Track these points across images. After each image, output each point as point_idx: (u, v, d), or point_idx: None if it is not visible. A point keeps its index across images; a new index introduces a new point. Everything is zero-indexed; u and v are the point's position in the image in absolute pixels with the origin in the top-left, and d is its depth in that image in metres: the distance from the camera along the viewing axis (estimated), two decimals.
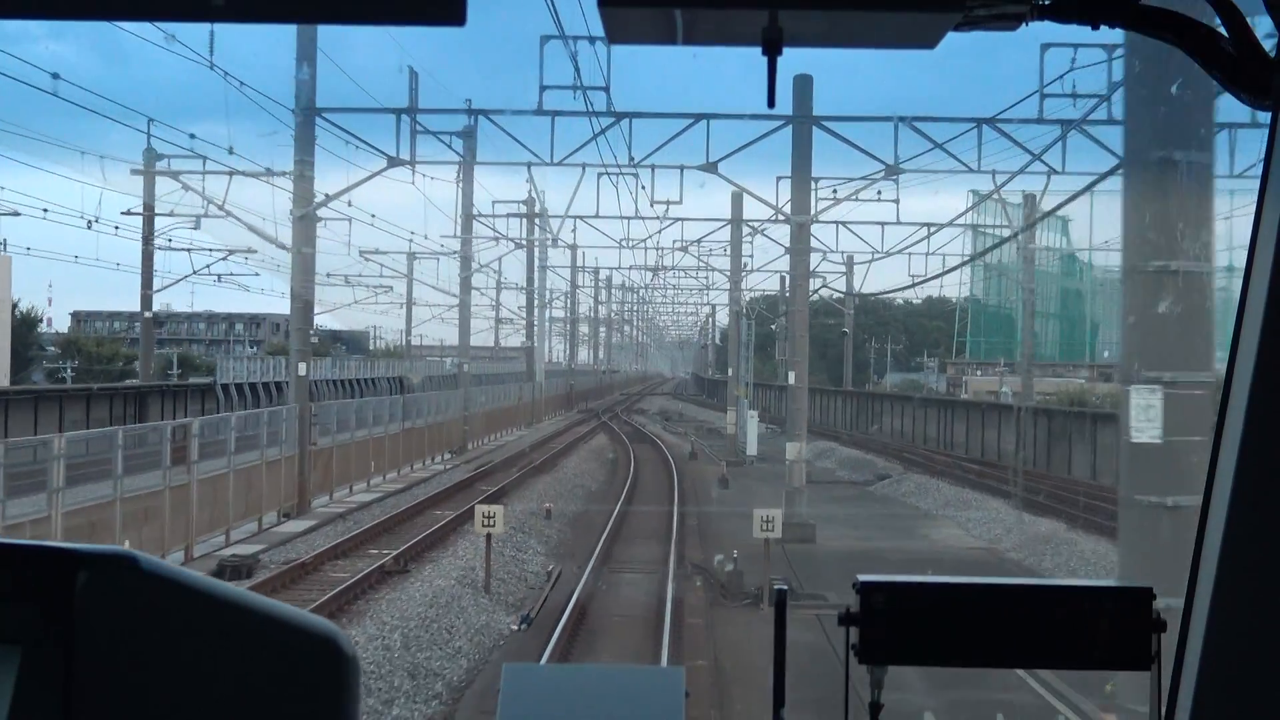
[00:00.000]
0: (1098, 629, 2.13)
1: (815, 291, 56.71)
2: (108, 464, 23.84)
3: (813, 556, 30.33)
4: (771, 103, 1.70)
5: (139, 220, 48.60)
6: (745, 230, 56.53)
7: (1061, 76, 31.37)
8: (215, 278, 56.22)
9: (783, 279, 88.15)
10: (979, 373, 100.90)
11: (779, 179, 51.93)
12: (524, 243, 54.10)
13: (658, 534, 32.77)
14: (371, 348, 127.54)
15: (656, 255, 61.49)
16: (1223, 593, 1.95)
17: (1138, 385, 12.28)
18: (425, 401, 49.81)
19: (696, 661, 19.60)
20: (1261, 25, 1.85)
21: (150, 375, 61.66)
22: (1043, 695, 18.13)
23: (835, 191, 39.29)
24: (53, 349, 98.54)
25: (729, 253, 63.81)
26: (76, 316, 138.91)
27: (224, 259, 54.92)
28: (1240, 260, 2.07)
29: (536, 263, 76.37)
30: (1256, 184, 1.97)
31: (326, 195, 34.48)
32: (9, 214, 43.90)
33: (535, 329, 77.85)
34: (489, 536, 25.07)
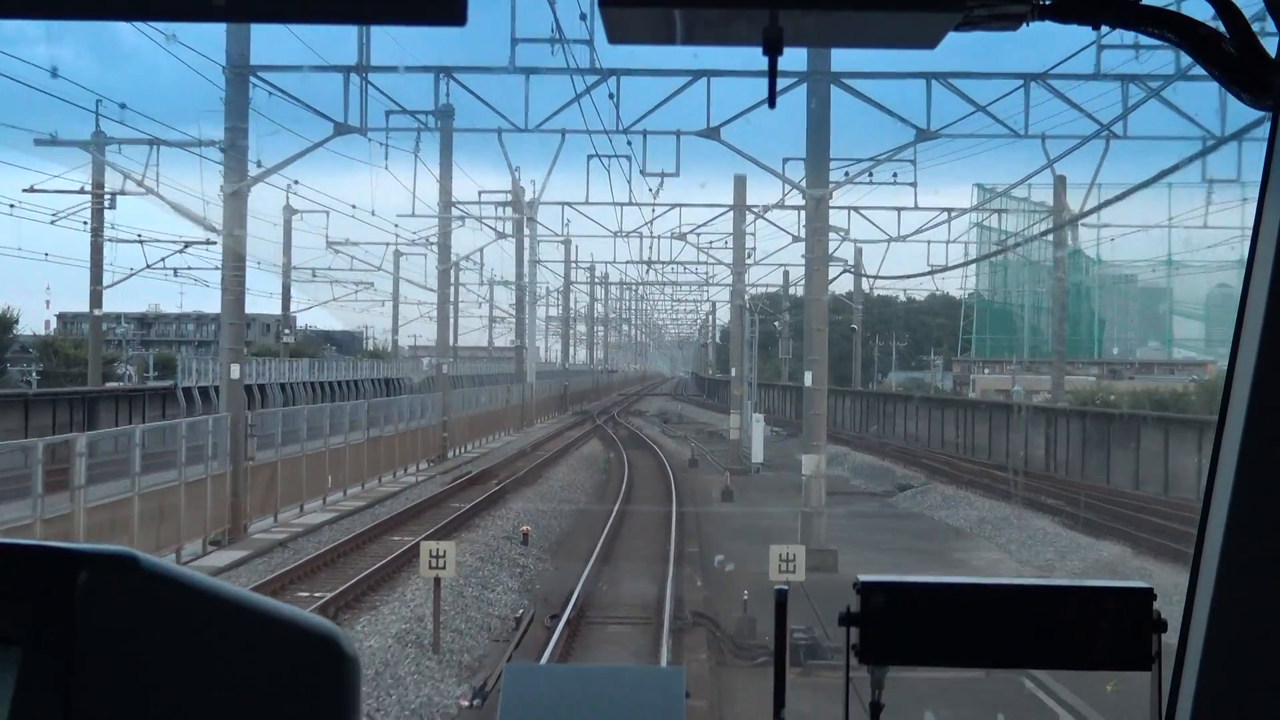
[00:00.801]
0: (1098, 629, 2.11)
1: (834, 279, 51.59)
2: None
3: (837, 591, 24.60)
4: (772, 102, 1.69)
5: (59, 205, 42.93)
6: (749, 218, 51.11)
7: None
8: (170, 271, 50.69)
9: (785, 273, 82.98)
10: (986, 371, 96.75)
11: (785, 160, 46.78)
12: (508, 233, 48.72)
13: (652, 565, 27.43)
14: (369, 348, 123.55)
15: (653, 245, 56.04)
16: (1223, 593, 1.94)
17: None
18: (397, 406, 44.35)
19: None
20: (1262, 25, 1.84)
21: (128, 379, 56.66)
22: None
23: (847, 173, 34.07)
24: (32, 351, 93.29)
25: (729, 245, 58.69)
26: (62, 318, 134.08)
27: (180, 251, 49.52)
28: None
29: (527, 256, 70.94)
30: None
31: (259, 164, 29.04)
32: None
33: (526, 326, 72.34)
34: (438, 581, 19.70)
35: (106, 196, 39.94)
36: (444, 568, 19.46)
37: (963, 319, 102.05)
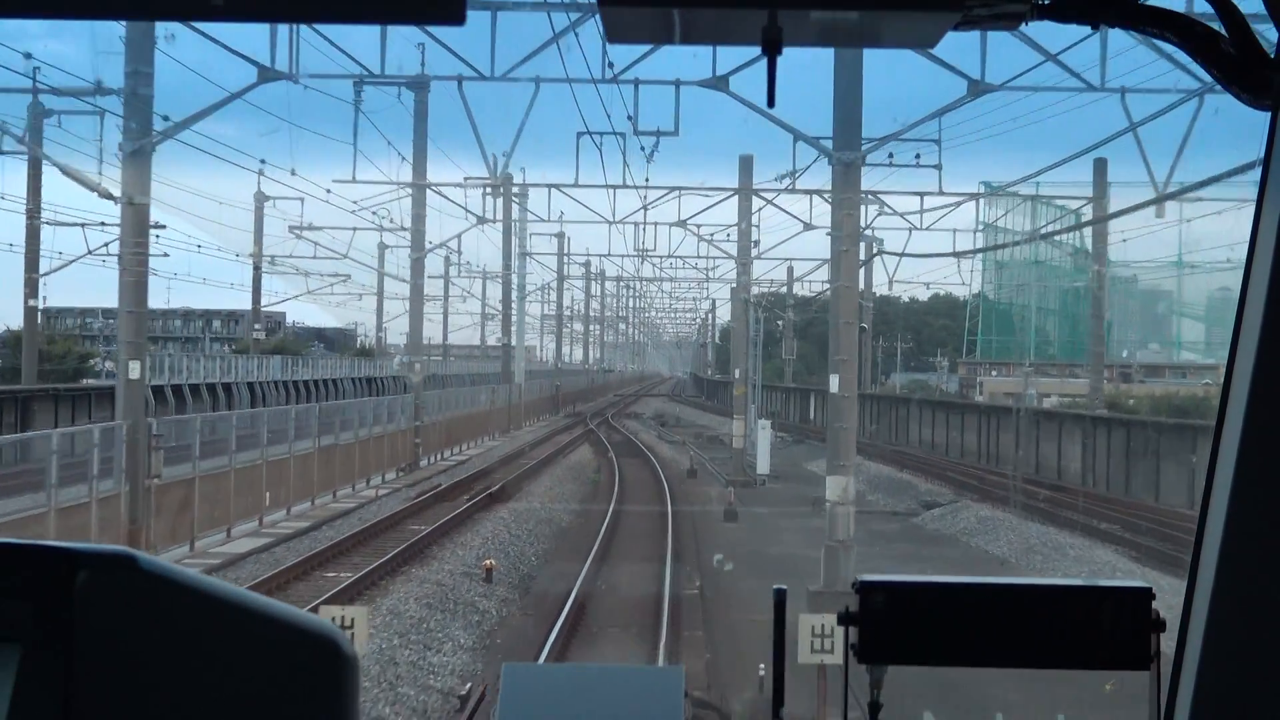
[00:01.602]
0: (1097, 629, 2.09)
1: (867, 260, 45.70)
2: None
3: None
4: (771, 101, 1.66)
5: None
6: (755, 204, 45.54)
7: None
8: (116, 259, 44.99)
9: (790, 268, 77.36)
10: (994, 373, 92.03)
11: (796, 140, 41.41)
12: (489, 216, 43.20)
13: (641, 614, 21.93)
14: (360, 346, 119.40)
15: (650, 232, 50.44)
16: (1222, 592, 1.93)
17: None
18: (360, 409, 38.73)
19: None
20: (1261, 25, 1.82)
21: (105, 376, 51.25)
22: None
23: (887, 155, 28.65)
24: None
25: (731, 237, 53.31)
26: (46, 313, 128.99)
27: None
28: None
29: (515, 245, 65.35)
30: None
31: (166, 119, 23.39)
32: None
33: (514, 323, 66.72)
34: None
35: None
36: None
37: (968, 320, 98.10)
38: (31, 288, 45.12)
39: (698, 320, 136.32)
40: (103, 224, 44.11)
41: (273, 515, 30.22)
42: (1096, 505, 35.84)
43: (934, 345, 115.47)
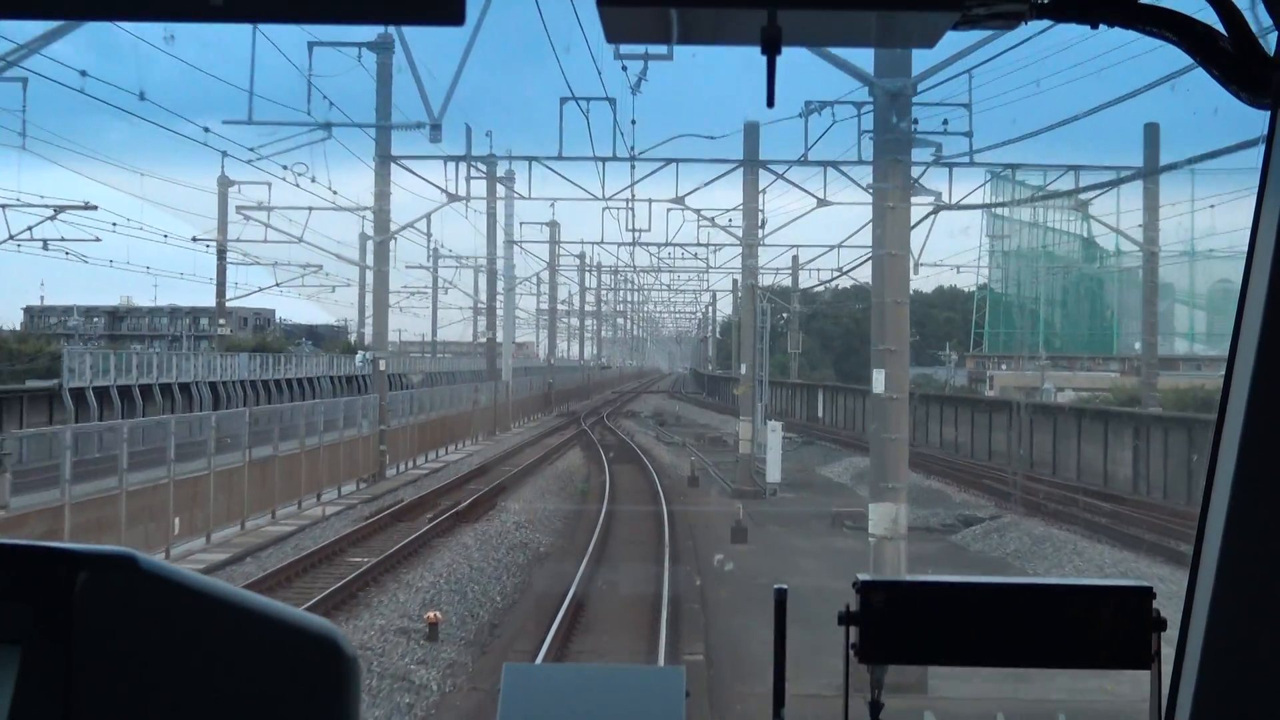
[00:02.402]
0: (1098, 628, 2.08)
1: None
2: None
3: None
4: (771, 102, 1.64)
5: None
6: (761, 190, 39.85)
7: None
8: (40, 244, 39.35)
9: (795, 257, 71.57)
10: (1004, 366, 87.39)
11: (808, 109, 36.24)
12: (461, 194, 37.46)
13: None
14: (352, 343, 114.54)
15: (645, 211, 44.72)
16: (1222, 592, 1.92)
17: None
18: (309, 414, 33.03)
19: None
20: (1260, 24, 1.83)
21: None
22: None
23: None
24: None
25: (733, 223, 47.77)
26: (29, 311, 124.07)
27: (52, 219, 38.25)
28: None
29: (501, 234, 59.68)
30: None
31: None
32: None
33: (500, 315, 60.99)
34: None
35: None
36: None
37: (975, 312, 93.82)
38: None
39: (698, 314, 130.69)
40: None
41: (186, 545, 24.56)
42: (1163, 519, 30.16)
43: (938, 338, 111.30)
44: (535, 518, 30.81)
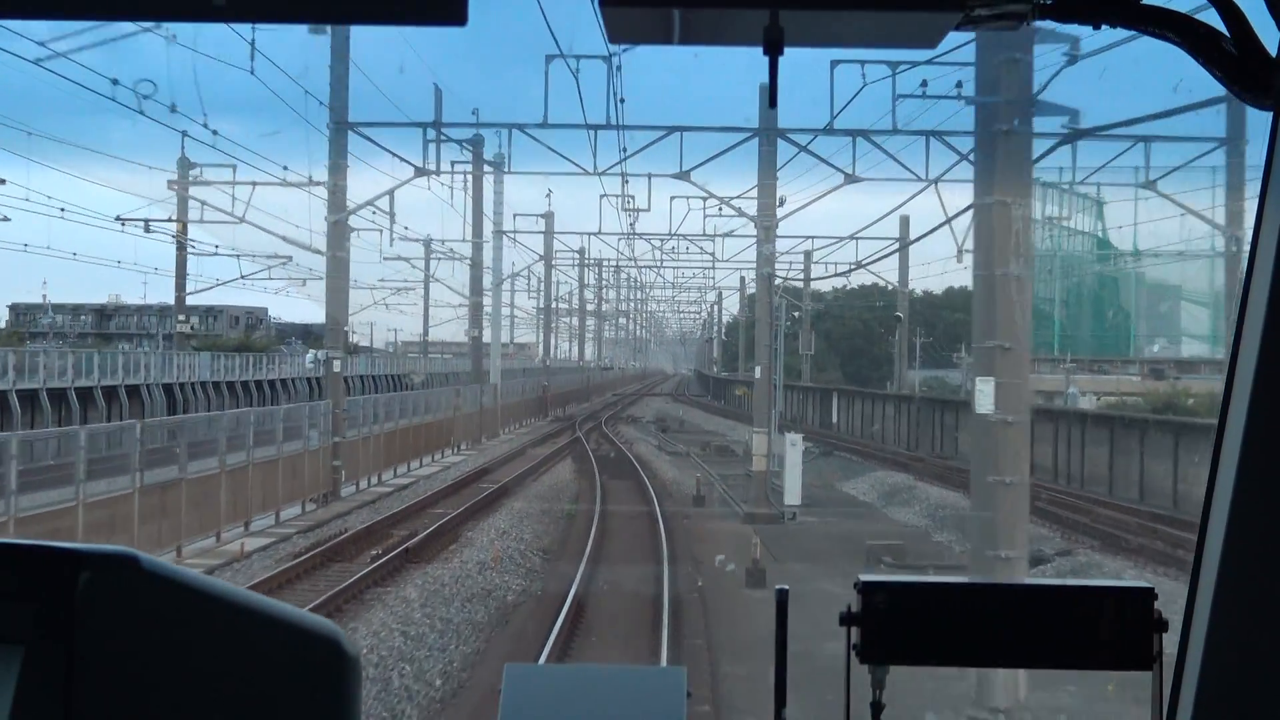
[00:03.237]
0: (1099, 629, 2.06)
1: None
2: None
3: None
4: (773, 102, 1.65)
5: None
6: (778, 169, 33.90)
7: None
8: None
9: (808, 254, 65.62)
10: None
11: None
12: (427, 167, 31.51)
13: None
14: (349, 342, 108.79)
15: (644, 188, 38.79)
16: (1224, 593, 1.91)
17: None
18: (237, 424, 27.03)
19: None
20: (1262, 24, 1.83)
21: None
22: None
23: None
24: None
25: (737, 214, 42.01)
26: (15, 309, 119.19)
27: None
28: None
29: (488, 226, 53.66)
30: None
31: None
32: None
33: (488, 311, 54.99)
34: None
35: None
36: None
37: None
38: None
39: (702, 313, 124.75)
40: None
41: None
42: None
43: (948, 340, 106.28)
44: (507, 552, 24.85)
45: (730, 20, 1.56)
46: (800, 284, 64.65)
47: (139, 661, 1.55)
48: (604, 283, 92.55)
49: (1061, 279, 76.96)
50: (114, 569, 1.56)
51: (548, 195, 73.14)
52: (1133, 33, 1.78)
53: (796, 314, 68.71)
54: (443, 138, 32.05)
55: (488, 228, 55.44)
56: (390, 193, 32.61)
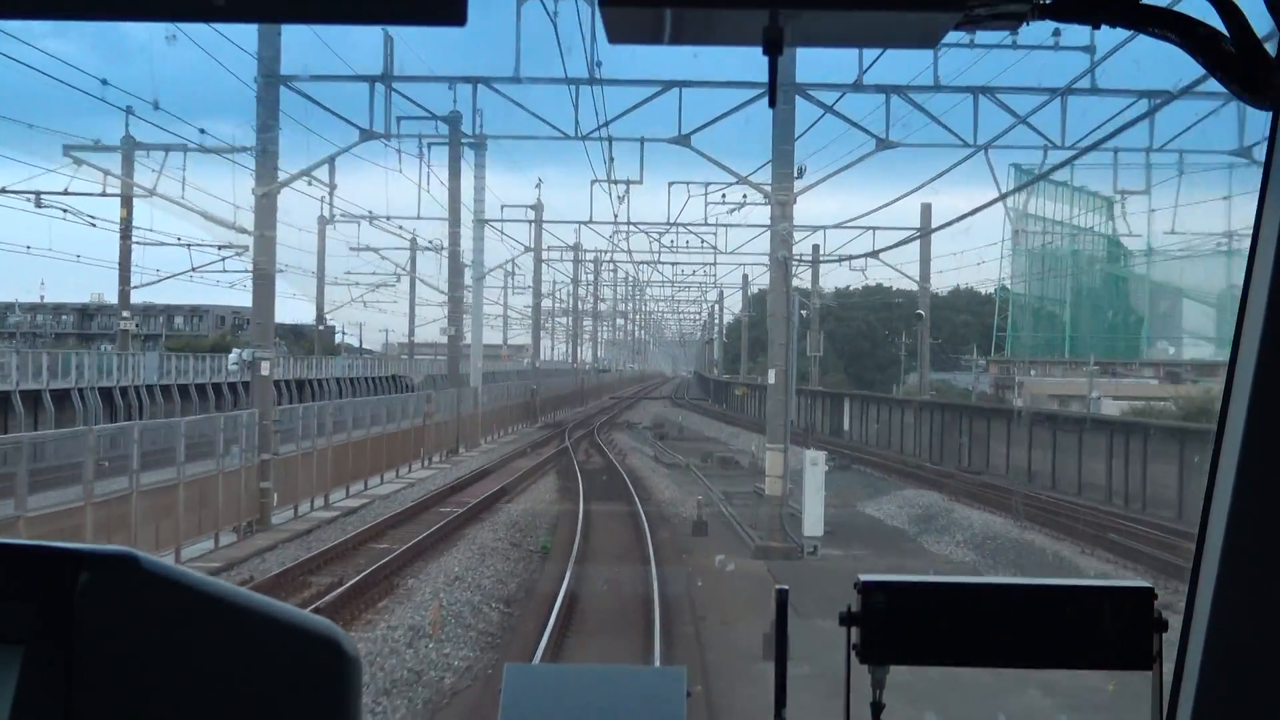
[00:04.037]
0: (1099, 629, 2.05)
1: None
2: None
3: None
4: (773, 101, 1.64)
5: None
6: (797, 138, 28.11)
7: None
8: None
9: (815, 247, 59.90)
10: (1033, 372, 77.63)
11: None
12: (374, 130, 25.74)
13: None
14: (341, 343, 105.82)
15: (637, 155, 33.06)
16: (1224, 593, 1.91)
17: None
18: (111, 439, 21.25)
19: None
20: (1262, 25, 1.82)
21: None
22: None
23: None
24: None
25: (746, 199, 37.31)
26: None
27: None
28: None
29: (471, 214, 47.93)
30: None
31: None
32: None
33: (469, 302, 49.23)
34: None
35: None
36: None
37: (997, 315, 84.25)
38: None
39: (702, 314, 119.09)
40: None
41: None
42: None
43: (955, 342, 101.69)
44: (455, 609, 19.12)
45: (730, 20, 1.53)
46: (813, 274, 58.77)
47: (138, 661, 1.54)
48: (597, 275, 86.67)
49: (1074, 281, 73.80)
50: (113, 569, 1.55)
51: (537, 185, 67.30)
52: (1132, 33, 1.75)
53: (804, 312, 63.01)
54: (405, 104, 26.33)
55: (490, 219, 49.78)
56: (331, 160, 26.93)
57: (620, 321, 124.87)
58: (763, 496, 29.19)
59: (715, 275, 78.90)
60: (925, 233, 47.65)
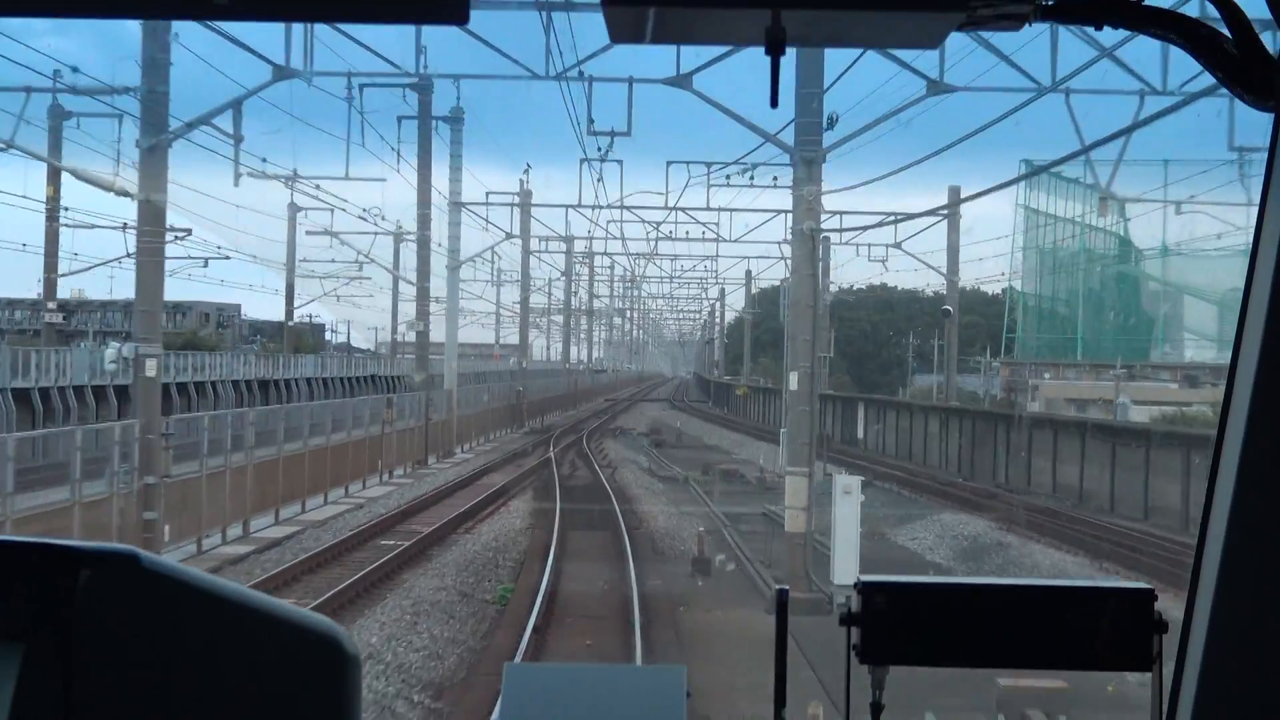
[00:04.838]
0: (1099, 629, 2.03)
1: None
2: None
3: None
4: (774, 102, 1.60)
5: None
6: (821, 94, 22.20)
7: None
8: None
9: (826, 237, 54.13)
10: (1046, 375, 73.71)
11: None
12: (292, 68, 20.07)
13: None
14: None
15: (624, 100, 27.27)
16: (1224, 594, 1.89)
17: None
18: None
19: None
20: (1262, 25, 1.73)
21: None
22: None
23: None
24: None
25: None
26: None
27: None
28: None
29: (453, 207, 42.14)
30: None
31: None
32: None
33: (442, 295, 43.40)
34: None
35: None
36: None
37: (1006, 315, 79.08)
38: None
39: (702, 313, 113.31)
40: None
41: None
42: None
43: (963, 343, 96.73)
44: (375, 699, 13.32)
45: (732, 20, 1.52)
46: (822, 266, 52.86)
47: (139, 659, 1.53)
48: (591, 267, 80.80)
49: (1086, 282, 70.45)
50: (114, 567, 1.54)
51: (525, 171, 61.36)
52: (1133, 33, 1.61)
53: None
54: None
55: (468, 202, 43.98)
56: (237, 104, 21.10)
57: (618, 320, 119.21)
58: (776, 521, 23.39)
59: (717, 269, 73.06)
60: (956, 204, 41.95)
